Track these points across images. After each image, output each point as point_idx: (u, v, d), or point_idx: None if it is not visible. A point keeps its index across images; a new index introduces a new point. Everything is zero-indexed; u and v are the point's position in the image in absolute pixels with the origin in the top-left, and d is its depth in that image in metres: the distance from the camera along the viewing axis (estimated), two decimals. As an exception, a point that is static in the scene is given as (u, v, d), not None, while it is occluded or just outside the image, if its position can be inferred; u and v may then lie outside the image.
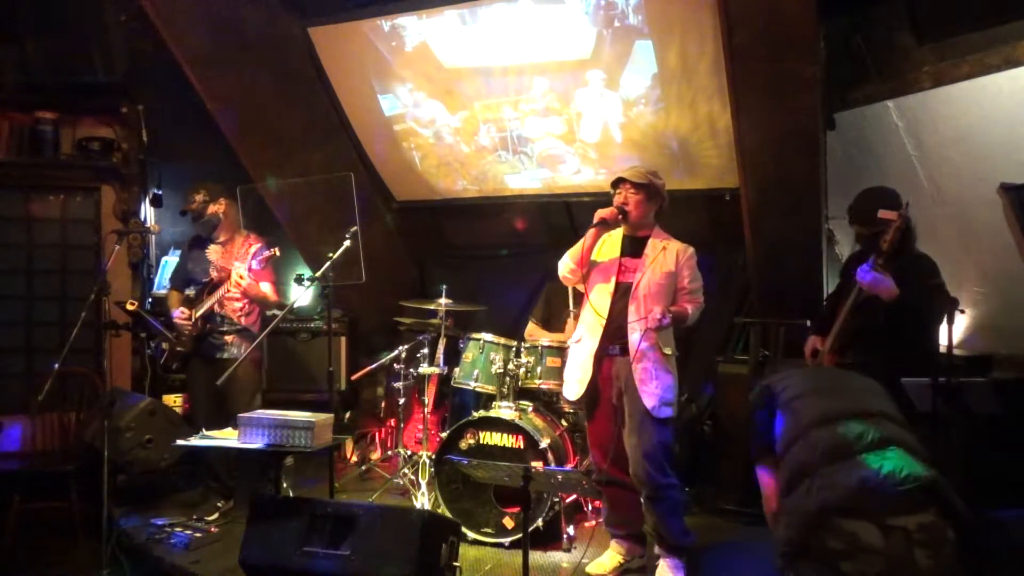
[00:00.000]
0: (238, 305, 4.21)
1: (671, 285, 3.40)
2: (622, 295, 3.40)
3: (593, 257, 3.51)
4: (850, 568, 2.03)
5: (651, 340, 3.32)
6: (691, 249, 3.48)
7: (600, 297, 3.44)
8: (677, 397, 3.42)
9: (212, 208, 4.25)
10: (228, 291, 4.10)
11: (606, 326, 3.39)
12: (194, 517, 4.09)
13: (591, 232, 3.43)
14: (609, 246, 3.52)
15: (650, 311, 3.29)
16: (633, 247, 3.48)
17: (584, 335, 3.48)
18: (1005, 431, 3.43)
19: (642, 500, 3.42)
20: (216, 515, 4.11)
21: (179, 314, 4.18)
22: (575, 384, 3.48)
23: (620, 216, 3.41)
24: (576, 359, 3.51)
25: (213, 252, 4.30)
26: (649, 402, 3.28)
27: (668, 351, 3.38)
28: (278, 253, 4.05)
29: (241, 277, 4.01)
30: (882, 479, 2.05)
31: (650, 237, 3.48)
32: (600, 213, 3.41)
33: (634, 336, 3.32)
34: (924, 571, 1.99)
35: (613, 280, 3.43)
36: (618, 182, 3.47)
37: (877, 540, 2.01)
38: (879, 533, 2.01)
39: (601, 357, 3.42)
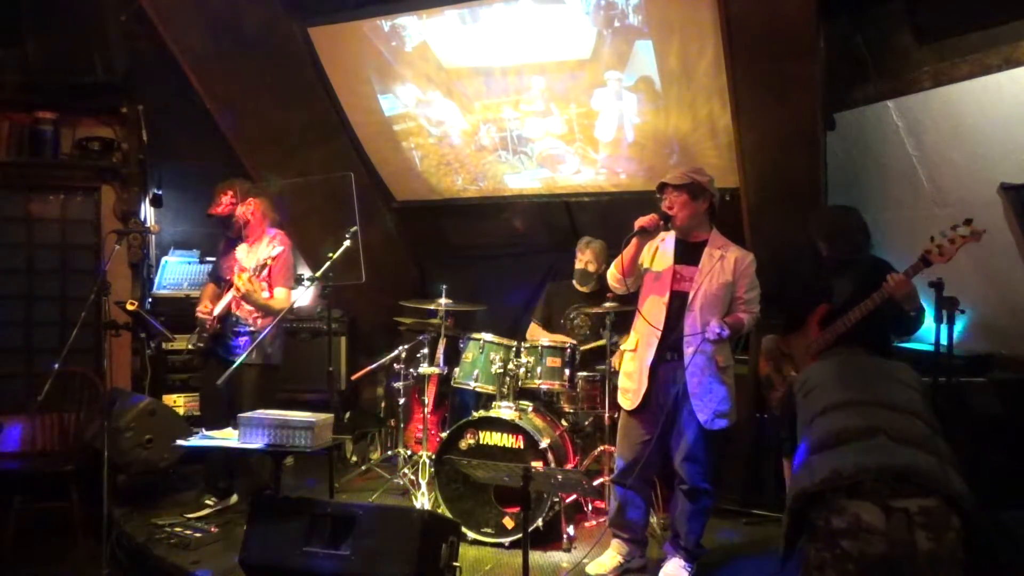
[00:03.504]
0: (251, 307, 4.15)
1: (727, 296, 3.34)
2: (678, 305, 3.32)
3: (646, 265, 3.44)
4: (851, 547, 2.06)
5: (706, 352, 3.27)
6: (750, 256, 3.39)
7: (655, 307, 3.37)
8: (732, 407, 3.35)
9: (240, 209, 4.18)
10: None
11: (662, 336, 3.33)
12: (182, 516, 4.09)
13: (632, 242, 3.31)
14: (662, 253, 3.44)
15: (706, 323, 3.24)
16: (687, 253, 3.39)
17: (640, 343, 3.41)
18: (1005, 431, 3.44)
19: (678, 490, 3.41)
20: (203, 512, 4.11)
21: (201, 307, 4.15)
22: (630, 394, 3.41)
23: (661, 222, 3.31)
24: (629, 368, 3.45)
25: (240, 251, 4.26)
26: (703, 416, 3.25)
27: (723, 363, 3.33)
28: (270, 261, 3.98)
29: (241, 281, 3.92)
30: (854, 469, 2.09)
31: (706, 242, 3.38)
32: (639, 221, 3.27)
33: (689, 349, 3.27)
34: (925, 553, 2.03)
35: (668, 290, 3.35)
36: (661, 188, 3.38)
37: (879, 520, 2.05)
38: (881, 514, 2.05)
39: (657, 365, 3.35)
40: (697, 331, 3.26)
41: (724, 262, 3.34)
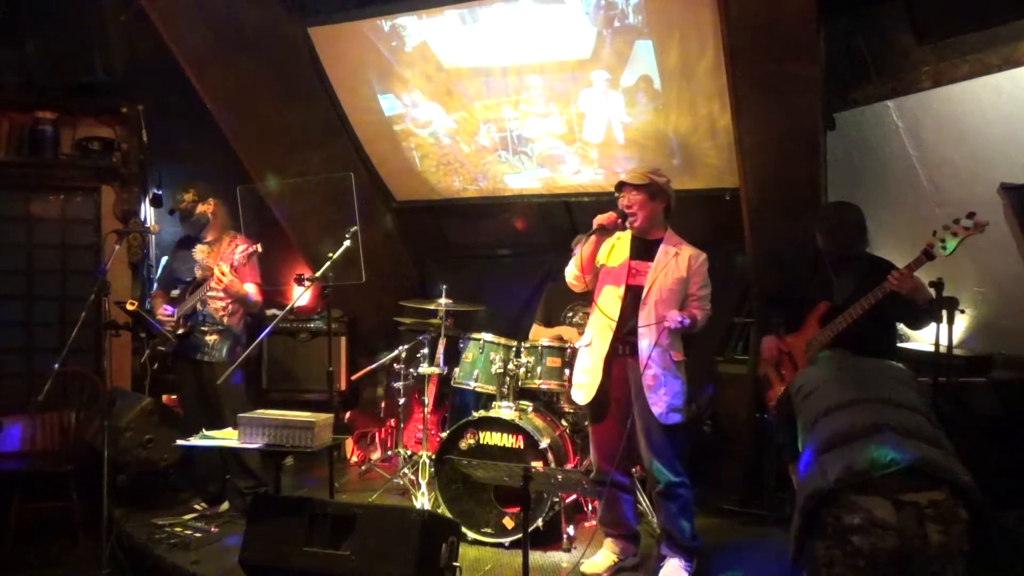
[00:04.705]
0: (220, 304, 4.19)
1: (682, 291, 3.38)
2: (632, 299, 3.38)
3: (603, 261, 3.48)
4: (862, 542, 2.07)
5: (661, 346, 3.30)
6: (703, 255, 3.45)
7: (610, 300, 3.42)
8: (686, 403, 3.40)
9: (201, 208, 4.25)
10: (211, 289, 4.08)
11: (616, 329, 3.37)
12: (170, 518, 4.10)
13: (591, 239, 3.40)
14: (618, 249, 3.49)
15: (660, 317, 3.27)
16: (643, 250, 3.45)
17: (594, 338, 3.45)
18: (1005, 431, 3.44)
19: (654, 495, 3.43)
20: (190, 516, 4.13)
21: (162, 311, 4.17)
22: (585, 388, 3.45)
23: (620, 220, 3.38)
24: (585, 363, 3.49)
25: (199, 252, 4.30)
26: (657, 409, 3.28)
27: (677, 357, 3.37)
28: (260, 249, 4.03)
29: (223, 273, 3.97)
30: (867, 465, 2.10)
31: (662, 240, 3.44)
32: (598, 219, 3.36)
33: (644, 342, 3.31)
34: (935, 546, 2.04)
35: (623, 283, 3.41)
36: (620, 186, 3.45)
37: (890, 515, 2.06)
38: (892, 508, 2.06)
39: (611, 360, 3.40)
40: (651, 323, 3.30)
41: (678, 259, 3.40)
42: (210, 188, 4.34)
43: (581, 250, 3.44)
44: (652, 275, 3.37)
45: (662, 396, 3.29)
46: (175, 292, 4.29)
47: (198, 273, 4.23)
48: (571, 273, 3.53)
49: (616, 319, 3.38)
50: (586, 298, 4.53)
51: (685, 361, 3.44)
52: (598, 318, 3.45)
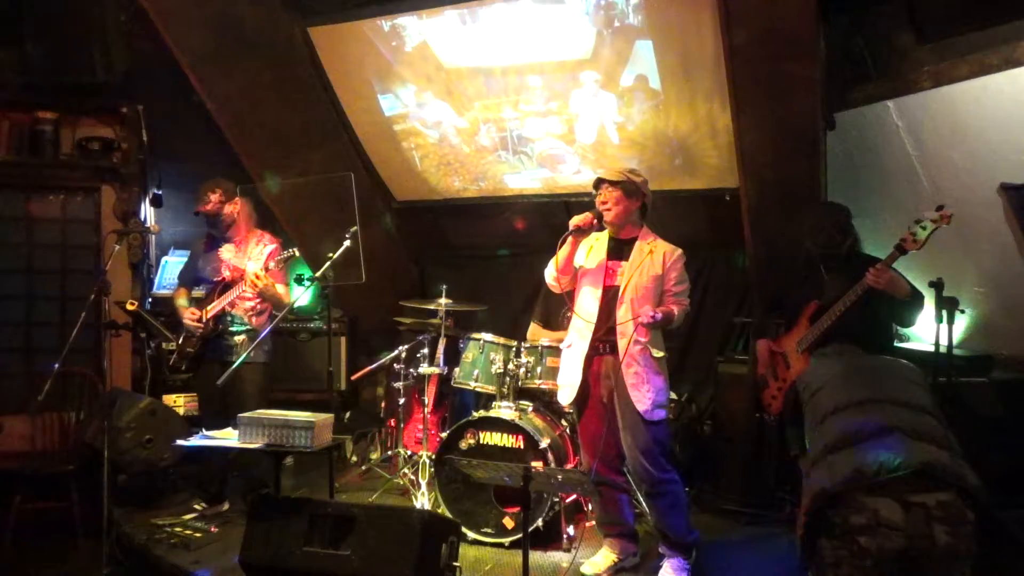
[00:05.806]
0: (249, 305, 4.17)
1: (658, 288, 3.40)
2: (610, 298, 3.41)
3: (581, 262, 3.52)
4: (869, 543, 2.07)
5: (641, 343, 3.32)
6: (679, 251, 3.46)
7: (588, 301, 3.45)
8: (669, 398, 3.43)
9: (228, 208, 4.21)
10: (243, 291, 4.07)
11: (595, 329, 3.40)
12: (169, 518, 4.10)
13: (568, 241, 3.42)
14: (596, 250, 3.52)
15: (638, 315, 3.29)
16: (619, 249, 3.48)
17: (575, 340, 3.49)
18: (1005, 431, 3.44)
19: (643, 497, 3.43)
20: (190, 516, 4.14)
21: (190, 315, 4.14)
22: (568, 388, 3.49)
23: (596, 221, 3.40)
24: (568, 363, 3.52)
25: (226, 251, 4.26)
26: (642, 406, 3.29)
27: (658, 353, 3.38)
28: (297, 254, 4.02)
29: (257, 276, 3.96)
30: (876, 468, 2.10)
31: (637, 239, 3.47)
32: (574, 220, 3.39)
33: (623, 340, 3.32)
34: (942, 547, 2.05)
35: (601, 284, 3.44)
36: (598, 184, 3.47)
37: (898, 516, 2.06)
38: (900, 509, 2.06)
39: (591, 357, 3.43)
40: (628, 320, 3.32)
41: (653, 255, 3.42)
42: (235, 186, 4.29)
43: (558, 252, 3.46)
44: (628, 273, 3.39)
45: (646, 393, 3.30)
46: (196, 291, 4.25)
47: (226, 274, 4.19)
48: (550, 275, 3.55)
49: (595, 319, 3.40)
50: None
51: (666, 357, 3.45)
52: (577, 320, 3.48)
